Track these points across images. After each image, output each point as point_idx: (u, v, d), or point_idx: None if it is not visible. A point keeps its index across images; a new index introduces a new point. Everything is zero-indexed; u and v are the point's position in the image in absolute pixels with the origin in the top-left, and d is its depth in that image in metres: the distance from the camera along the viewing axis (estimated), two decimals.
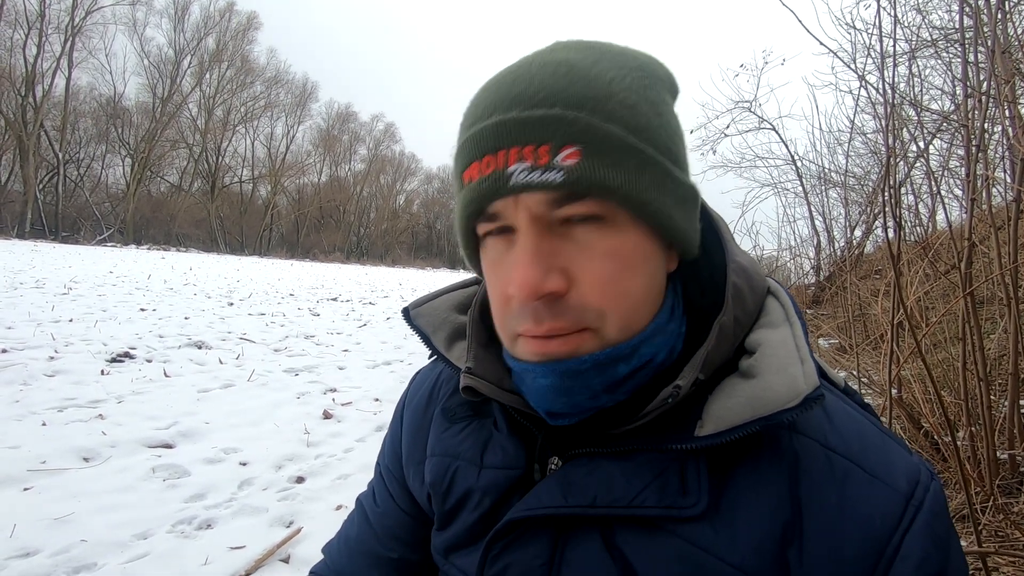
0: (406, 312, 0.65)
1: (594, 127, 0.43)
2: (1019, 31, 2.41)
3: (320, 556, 0.78)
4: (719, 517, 0.46)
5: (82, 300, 7.85)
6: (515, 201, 0.45)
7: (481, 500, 0.57)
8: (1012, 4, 2.42)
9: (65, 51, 34.25)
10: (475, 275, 0.68)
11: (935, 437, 2.03)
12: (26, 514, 2.08)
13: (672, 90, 0.51)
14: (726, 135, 7.26)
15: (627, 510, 0.47)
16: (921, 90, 3.72)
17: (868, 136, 5.84)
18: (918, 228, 4.36)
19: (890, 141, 1.91)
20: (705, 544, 0.45)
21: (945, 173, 3.62)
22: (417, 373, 0.75)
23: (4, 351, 4.42)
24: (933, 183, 3.65)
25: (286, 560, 1.99)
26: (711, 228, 0.56)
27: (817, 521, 0.44)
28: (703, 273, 0.55)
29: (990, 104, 1.92)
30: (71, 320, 6.14)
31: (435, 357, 0.63)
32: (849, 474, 0.45)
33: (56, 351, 4.63)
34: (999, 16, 2.12)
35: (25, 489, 2.30)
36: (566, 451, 0.53)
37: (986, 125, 2.02)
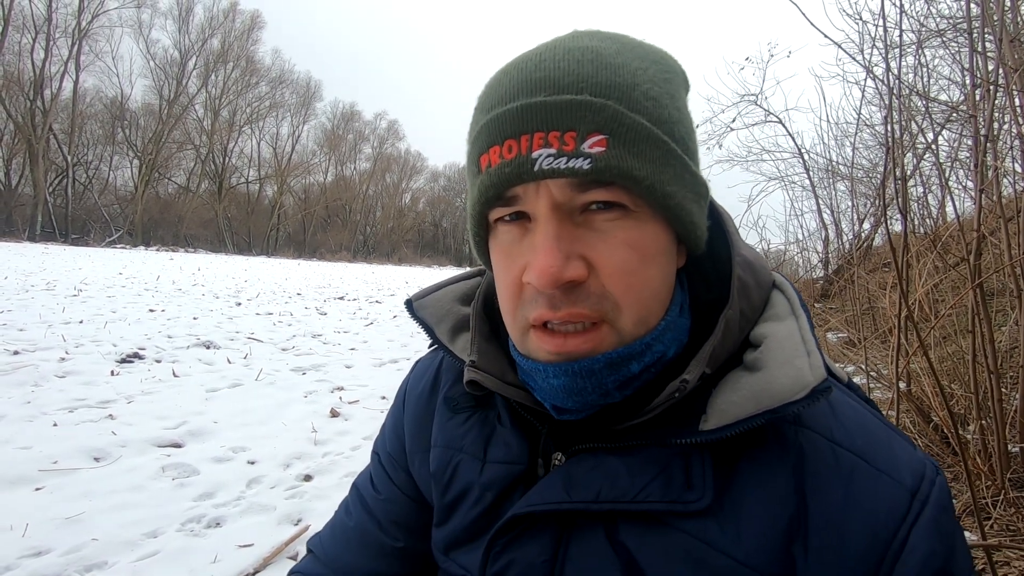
0: (409, 304, 0.65)
1: (621, 116, 0.43)
2: None
3: None
4: (724, 512, 0.45)
5: (92, 302, 7.92)
6: (536, 187, 0.45)
7: (482, 495, 0.57)
8: None
9: (72, 54, 34.57)
10: (477, 267, 0.67)
11: (945, 431, 2.01)
12: (38, 514, 2.10)
13: (686, 85, 0.51)
14: (732, 129, 7.21)
15: (631, 505, 0.47)
16: (928, 80, 3.68)
17: (876, 128, 5.78)
18: (927, 220, 4.32)
19: (896, 133, 1.89)
20: (709, 539, 0.45)
21: (954, 164, 3.58)
22: (418, 361, 0.74)
23: (16, 353, 4.46)
24: (942, 175, 3.61)
25: (294, 558, 2.00)
26: (716, 222, 0.56)
27: (822, 515, 0.44)
28: (708, 267, 0.54)
29: (999, 93, 1.90)
30: (81, 321, 6.20)
31: (436, 347, 0.63)
32: (855, 468, 0.45)
33: (67, 352, 4.67)
34: (1007, 3, 2.09)
35: (37, 489, 2.32)
36: (569, 446, 0.53)
37: (995, 115, 2.00)
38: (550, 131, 0.42)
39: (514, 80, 0.45)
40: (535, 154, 0.43)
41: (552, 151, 0.42)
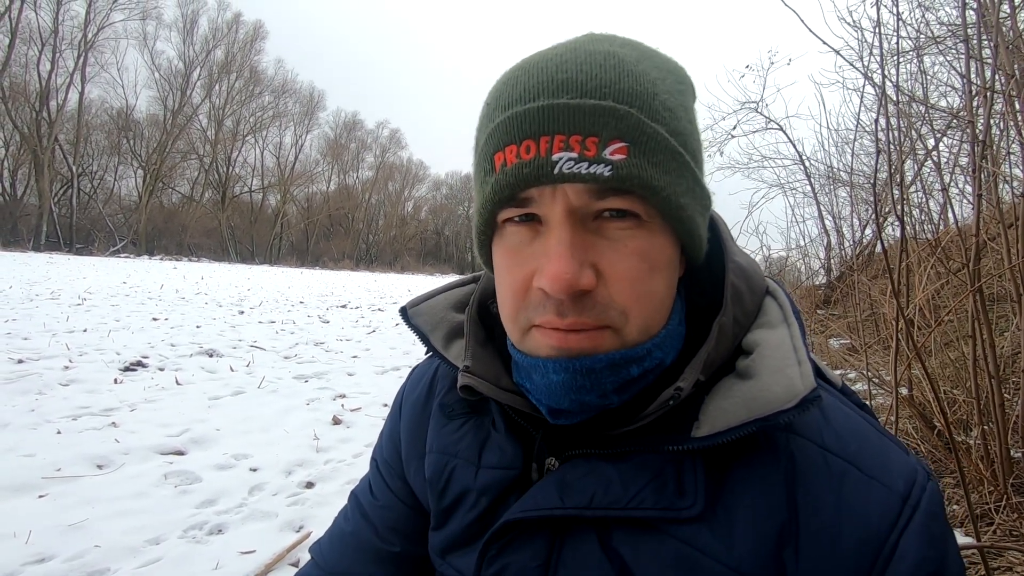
0: (403, 311, 0.65)
1: (642, 125, 0.43)
2: None
3: None
4: (716, 518, 0.45)
5: (96, 310, 7.95)
6: (553, 191, 0.44)
7: (478, 500, 0.57)
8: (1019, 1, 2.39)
9: (78, 66, 34.89)
10: (471, 275, 0.68)
11: (947, 436, 2.00)
12: (41, 521, 2.11)
13: (694, 97, 0.52)
14: (733, 136, 7.21)
15: (624, 512, 0.47)
16: (927, 87, 3.69)
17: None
18: (928, 226, 4.31)
19: (896, 139, 1.90)
20: (702, 545, 0.45)
21: (955, 170, 3.58)
22: (415, 368, 0.75)
23: (20, 361, 4.48)
24: (942, 180, 3.61)
25: (296, 564, 2.00)
26: (711, 228, 0.56)
27: (814, 522, 0.44)
28: (702, 274, 0.55)
29: (997, 99, 1.91)
30: (85, 330, 6.21)
31: (432, 354, 0.63)
32: (846, 475, 0.45)
33: (71, 361, 4.68)
34: (1005, 11, 2.10)
35: (40, 496, 2.33)
36: (563, 452, 0.53)
37: (993, 120, 2.00)
38: (571, 135, 0.42)
39: (534, 79, 0.44)
40: (555, 157, 0.42)
41: (573, 155, 0.42)
